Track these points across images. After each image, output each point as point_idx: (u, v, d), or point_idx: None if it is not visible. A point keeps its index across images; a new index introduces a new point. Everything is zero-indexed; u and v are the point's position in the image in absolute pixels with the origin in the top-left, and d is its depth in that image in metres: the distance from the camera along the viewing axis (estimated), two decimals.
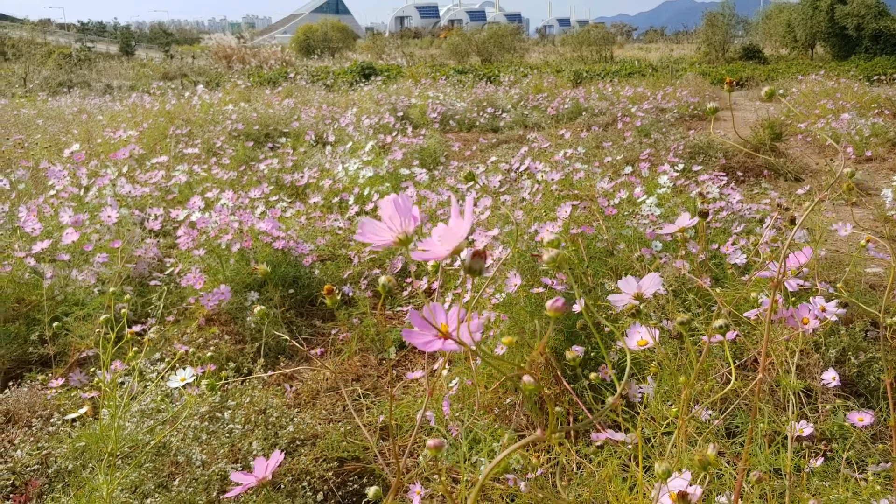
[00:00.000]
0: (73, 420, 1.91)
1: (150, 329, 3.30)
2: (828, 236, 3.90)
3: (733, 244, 3.23)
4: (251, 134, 8.68)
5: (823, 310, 1.00)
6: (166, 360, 2.61)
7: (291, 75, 18.21)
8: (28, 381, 2.63)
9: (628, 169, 4.72)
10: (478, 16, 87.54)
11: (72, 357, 2.79)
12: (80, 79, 21.66)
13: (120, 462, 1.64)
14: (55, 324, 2.35)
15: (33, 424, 2.01)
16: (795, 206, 4.78)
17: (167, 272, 3.81)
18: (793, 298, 1.45)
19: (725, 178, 4.13)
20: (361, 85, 16.18)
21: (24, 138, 7.60)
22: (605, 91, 14.09)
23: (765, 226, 3.32)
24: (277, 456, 0.81)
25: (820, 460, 1.36)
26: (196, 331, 3.26)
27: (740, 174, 7.12)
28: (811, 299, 1.03)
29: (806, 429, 1.04)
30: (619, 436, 1.19)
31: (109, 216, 3.47)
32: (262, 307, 1.59)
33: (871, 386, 2.68)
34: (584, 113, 11.39)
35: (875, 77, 16.71)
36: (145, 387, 2.06)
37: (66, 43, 33.02)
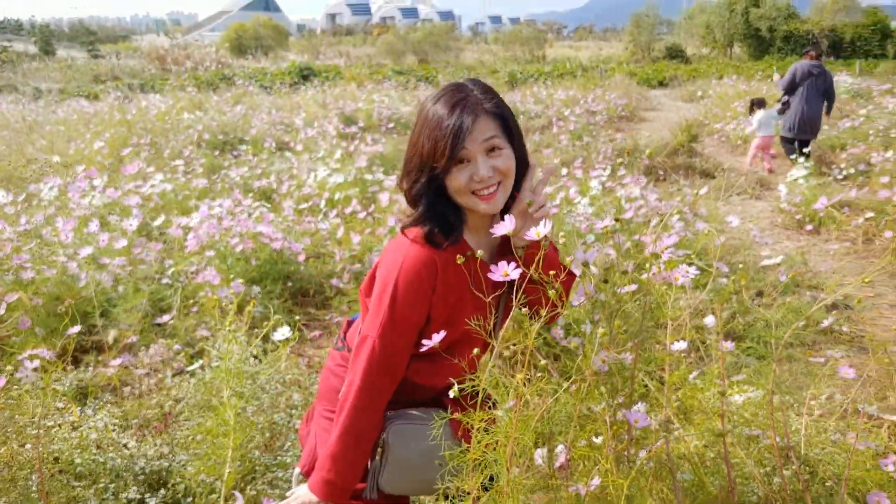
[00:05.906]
0: (186, 373, 2.55)
1: (171, 320, 3.91)
2: (725, 226, 4.78)
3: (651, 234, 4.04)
4: (214, 142, 9.14)
5: (687, 272, 1.76)
6: (199, 343, 3.24)
7: (238, 80, 18.48)
8: (91, 361, 3.23)
9: (564, 171, 5.52)
10: (410, 13, 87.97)
11: (121, 343, 3.38)
12: (5, 82, 21.15)
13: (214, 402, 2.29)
14: (105, 316, 2.95)
15: (167, 375, 2.65)
16: (692, 200, 5.66)
17: (171, 272, 4.39)
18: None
19: (645, 181, 4.96)
20: (303, 88, 16.64)
21: None
22: (540, 94, 14.99)
23: (654, 222, 4.14)
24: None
25: (697, 372, 2.15)
26: (213, 318, 3.88)
27: (661, 173, 8.05)
28: (680, 266, 1.79)
29: (682, 344, 1.80)
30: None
31: (131, 224, 4.04)
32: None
33: (754, 340, 3.54)
34: (520, 116, 12.22)
35: None
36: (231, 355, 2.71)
37: None
